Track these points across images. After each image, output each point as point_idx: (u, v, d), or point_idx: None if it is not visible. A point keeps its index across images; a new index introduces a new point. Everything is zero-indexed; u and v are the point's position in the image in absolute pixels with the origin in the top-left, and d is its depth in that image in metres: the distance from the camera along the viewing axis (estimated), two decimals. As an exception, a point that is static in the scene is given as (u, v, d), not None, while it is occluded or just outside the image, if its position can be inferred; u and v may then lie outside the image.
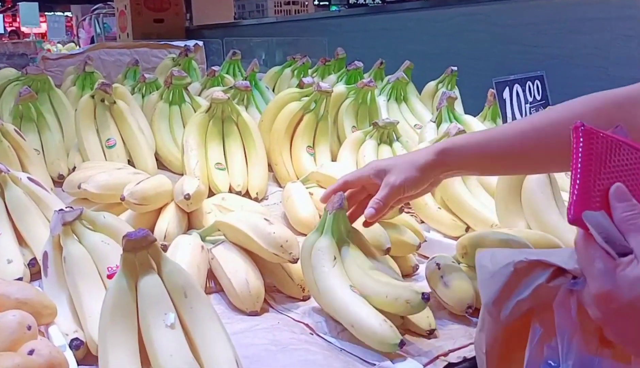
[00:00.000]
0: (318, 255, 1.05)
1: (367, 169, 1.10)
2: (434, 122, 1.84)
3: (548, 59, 2.49)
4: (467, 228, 1.40)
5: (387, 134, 1.79)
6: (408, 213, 1.53)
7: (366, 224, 1.09)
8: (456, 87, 2.23)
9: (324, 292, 1.03)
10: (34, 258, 1.18)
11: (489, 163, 1.04)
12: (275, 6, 4.94)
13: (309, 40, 3.35)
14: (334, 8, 17.55)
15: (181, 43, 2.61)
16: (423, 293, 0.96)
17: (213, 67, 2.33)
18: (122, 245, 0.86)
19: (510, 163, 1.03)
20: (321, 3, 18.34)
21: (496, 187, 1.35)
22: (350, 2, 19.00)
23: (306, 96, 1.89)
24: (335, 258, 1.05)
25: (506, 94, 1.67)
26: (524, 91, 1.71)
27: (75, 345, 0.93)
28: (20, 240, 1.21)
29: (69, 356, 0.88)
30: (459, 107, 2.14)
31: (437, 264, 1.11)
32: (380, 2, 18.82)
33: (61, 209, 1.05)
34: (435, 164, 1.03)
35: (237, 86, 2.01)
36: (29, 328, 0.82)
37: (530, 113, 1.72)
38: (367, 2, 18.94)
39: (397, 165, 1.05)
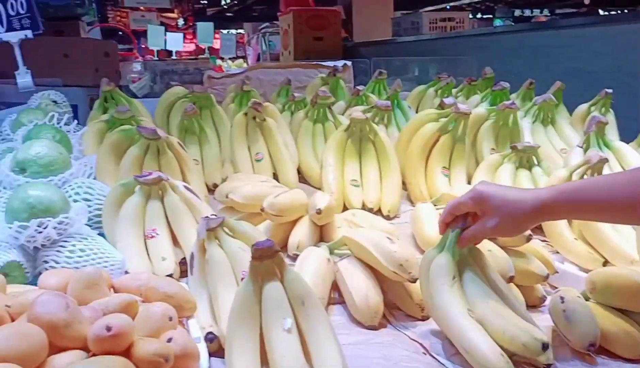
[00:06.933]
0: (436, 271, 1.06)
1: (468, 196, 1.06)
2: (581, 147, 1.75)
3: None
4: (605, 262, 1.33)
5: (526, 158, 1.73)
6: (543, 241, 1.48)
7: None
8: (610, 111, 2.08)
9: (438, 309, 1.05)
10: (184, 258, 1.35)
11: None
12: (430, 23, 4.94)
13: (459, 59, 3.32)
14: (497, 21, 16.93)
15: (331, 63, 2.75)
16: (543, 343, 0.93)
17: (358, 87, 2.42)
18: (251, 253, 0.97)
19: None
20: (484, 16, 17.78)
21: (639, 221, 1.25)
22: (515, 15, 18.18)
23: (444, 116, 1.90)
24: (454, 278, 1.05)
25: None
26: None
27: (210, 338, 1.05)
28: (175, 241, 1.38)
29: (203, 347, 1.01)
30: (613, 131, 2.00)
31: (562, 298, 1.07)
32: (549, 14, 17.78)
33: (207, 217, 1.19)
34: (539, 216, 1.03)
35: (377, 106, 2.08)
36: (170, 319, 0.95)
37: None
38: (533, 14, 18.00)
39: (499, 207, 1.02)
